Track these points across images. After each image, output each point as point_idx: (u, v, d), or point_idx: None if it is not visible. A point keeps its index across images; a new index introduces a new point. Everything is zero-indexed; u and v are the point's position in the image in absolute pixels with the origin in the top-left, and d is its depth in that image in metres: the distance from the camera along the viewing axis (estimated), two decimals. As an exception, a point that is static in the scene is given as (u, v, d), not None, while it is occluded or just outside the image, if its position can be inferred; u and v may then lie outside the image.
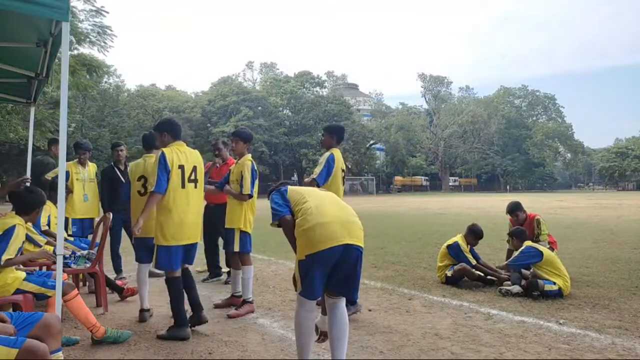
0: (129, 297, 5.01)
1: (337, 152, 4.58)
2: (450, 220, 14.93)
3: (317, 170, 4.46)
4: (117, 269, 6.04)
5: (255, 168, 4.69)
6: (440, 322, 4.08)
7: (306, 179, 4.56)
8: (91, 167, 6.08)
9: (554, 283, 4.84)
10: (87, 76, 15.78)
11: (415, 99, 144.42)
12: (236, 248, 4.50)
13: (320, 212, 2.76)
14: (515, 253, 5.33)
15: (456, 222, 13.67)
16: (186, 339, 3.67)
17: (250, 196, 4.53)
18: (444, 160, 66.49)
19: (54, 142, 6.68)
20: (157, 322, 4.20)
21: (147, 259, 4.35)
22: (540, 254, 5.05)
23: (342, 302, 2.87)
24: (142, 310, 4.28)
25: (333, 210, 2.83)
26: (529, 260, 5.08)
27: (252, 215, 4.63)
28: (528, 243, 5.29)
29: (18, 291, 3.38)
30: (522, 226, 5.83)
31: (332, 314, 2.85)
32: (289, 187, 3.06)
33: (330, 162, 4.45)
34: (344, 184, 4.72)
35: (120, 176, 5.88)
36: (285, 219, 2.88)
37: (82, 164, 5.91)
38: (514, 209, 6.11)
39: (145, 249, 4.34)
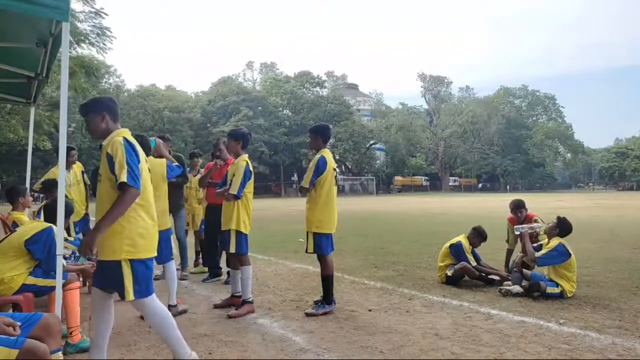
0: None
1: (326, 153, 4.56)
2: (450, 220, 14.93)
3: (307, 176, 4.46)
4: None
5: (250, 169, 4.59)
6: (440, 322, 4.08)
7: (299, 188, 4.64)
8: (76, 169, 5.93)
9: (557, 285, 4.80)
10: (86, 78, 15.71)
11: (415, 99, 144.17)
12: (232, 249, 4.49)
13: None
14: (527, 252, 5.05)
15: (457, 222, 13.68)
16: None
17: (236, 197, 4.43)
18: (444, 160, 66.53)
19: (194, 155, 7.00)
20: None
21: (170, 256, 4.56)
22: (569, 254, 4.88)
23: None
24: (169, 307, 4.24)
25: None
26: (559, 258, 4.87)
27: (247, 215, 4.56)
28: (560, 240, 4.98)
29: (24, 287, 3.36)
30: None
31: None
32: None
33: (321, 165, 4.44)
34: (336, 183, 4.72)
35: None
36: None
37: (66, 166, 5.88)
38: (518, 206, 6.05)
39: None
